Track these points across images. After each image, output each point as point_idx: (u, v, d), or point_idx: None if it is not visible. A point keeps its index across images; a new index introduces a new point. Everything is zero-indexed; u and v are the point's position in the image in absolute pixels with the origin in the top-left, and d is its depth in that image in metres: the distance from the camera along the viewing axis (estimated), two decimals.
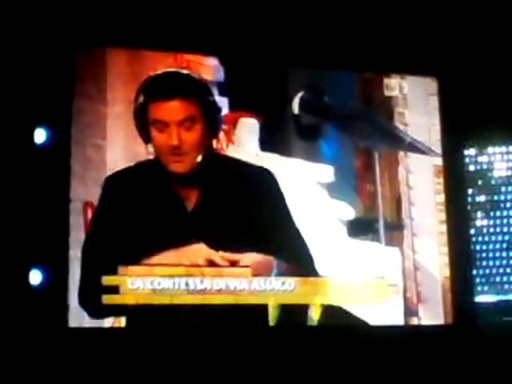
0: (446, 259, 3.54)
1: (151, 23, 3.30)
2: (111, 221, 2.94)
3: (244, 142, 3.39)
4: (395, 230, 3.51)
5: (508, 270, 3.68)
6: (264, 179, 3.10)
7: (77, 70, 3.18)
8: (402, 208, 3.53)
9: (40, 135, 3.11)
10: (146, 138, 2.94)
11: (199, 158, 2.95)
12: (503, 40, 3.67)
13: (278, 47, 3.49)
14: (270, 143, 3.43)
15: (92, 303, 2.93)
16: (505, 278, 3.69)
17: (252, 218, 3.05)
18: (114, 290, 2.96)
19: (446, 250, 3.54)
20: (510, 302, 3.66)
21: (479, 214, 3.73)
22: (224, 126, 3.24)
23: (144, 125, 2.92)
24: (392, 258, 3.47)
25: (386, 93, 3.63)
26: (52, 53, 3.11)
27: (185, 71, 3.08)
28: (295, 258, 3.11)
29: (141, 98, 2.90)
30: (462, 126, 3.66)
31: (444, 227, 3.56)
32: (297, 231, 3.11)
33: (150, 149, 2.96)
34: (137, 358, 3.06)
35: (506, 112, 3.68)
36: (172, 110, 2.90)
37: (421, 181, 3.58)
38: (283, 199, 3.13)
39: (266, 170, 3.12)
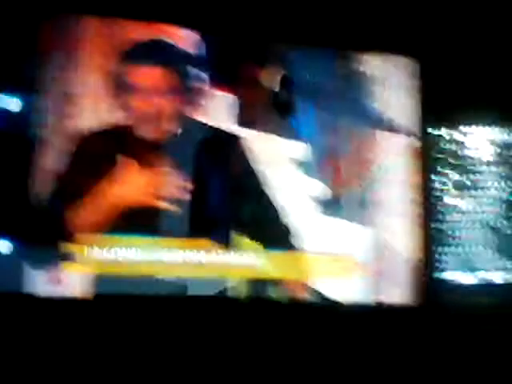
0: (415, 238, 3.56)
1: None
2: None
3: (221, 117, 3.44)
4: (365, 209, 3.53)
5: (480, 249, 3.67)
6: (235, 145, 3.20)
7: (46, 37, 3.16)
8: (373, 187, 3.55)
9: (7, 102, 3.11)
10: (122, 105, 2.99)
11: (174, 127, 3.00)
12: (483, 22, 3.62)
13: (259, 23, 3.50)
14: (247, 119, 3.47)
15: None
16: (475, 256, 3.68)
17: (221, 186, 3.17)
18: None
19: (415, 229, 3.56)
20: (482, 280, 3.65)
21: (453, 193, 3.71)
22: (199, 99, 3.27)
23: (121, 91, 2.97)
24: (362, 236, 3.49)
25: (366, 71, 3.63)
26: (19, 21, 3.11)
27: (170, 41, 3.15)
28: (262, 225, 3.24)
29: (121, 64, 2.96)
30: (437, 107, 3.64)
31: (414, 207, 3.58)
32: (267, 200, 3.23)
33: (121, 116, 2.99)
34: (96, 329, 3.13)
35: (481, 92, 3.64)
36: (151, 76, 2.97)
37: (394, 160, 3.59)
38: (254, 168, 3.25)
39: (235, 135, 3.23)
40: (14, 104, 3.11)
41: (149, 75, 3.03)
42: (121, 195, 3.06)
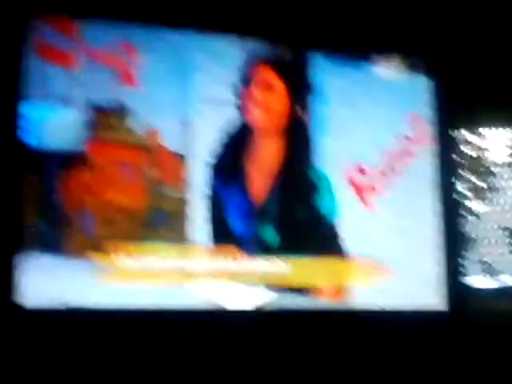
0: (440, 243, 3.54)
1: None
2: None
3: None
4: (392, 214, 3.49)
5: (501, 252, 3.67)
6: None
7: None
8: (400, 192, 3.53)
9: None
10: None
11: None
12: (497, 22, 3.63)
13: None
14: None
15: None
16: (498, 262, 3.68)
17: None
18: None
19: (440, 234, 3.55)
20: (504, 284, 3.65)
21: (474, 198, 3.71)
22: None
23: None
24: (389, 241, 3.46)
25: (385, 76, 3.61)
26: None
27: None
28: None
29: None
30: (454, 110, 3.64)
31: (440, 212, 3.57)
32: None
33: None
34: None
35: (500, 95, 3.65)
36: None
37: (417, 165, 3.59)
38: None
39: None
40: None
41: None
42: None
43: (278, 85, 3.30)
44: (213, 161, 3.23)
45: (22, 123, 2.95)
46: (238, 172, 3.28)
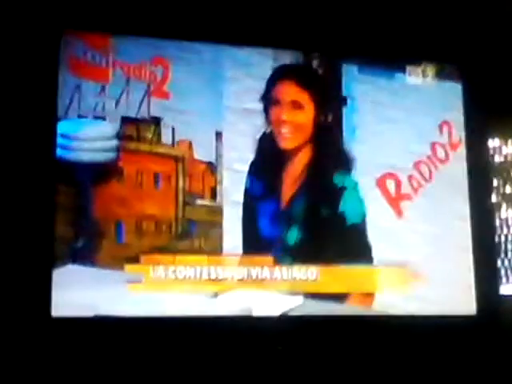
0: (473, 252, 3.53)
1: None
2: None
3: None
4: (425, 221, 3.50)
5: None
6: None
7: None
8: (432, 199, 3.54)
9: None
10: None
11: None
12: None
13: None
14: None
15: None
16: None
17: None
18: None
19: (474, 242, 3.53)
20: None
21: (505, 205, 3.70)
22: None
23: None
24: (420, 248, 3.47)
25: (417, 84, 3.61)
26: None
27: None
28: None
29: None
30: (487, 117, 3.62)
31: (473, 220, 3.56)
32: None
33: None
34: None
35: None
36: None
37: (450, 172, 3.58)
38: None
39: None
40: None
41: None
42: None
43: (304, 99, 3.33)
44: (249, 171, 3.29)
45: (56, 137, 3.05)
46: (273, 181, 3.32)
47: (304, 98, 3.33)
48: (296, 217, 3.28)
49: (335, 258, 3.30)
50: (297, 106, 3.31)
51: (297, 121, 3.32)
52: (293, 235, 3.26)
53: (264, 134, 3.32)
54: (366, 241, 3.36)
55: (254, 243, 3.25)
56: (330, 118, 3.40)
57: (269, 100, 3.32)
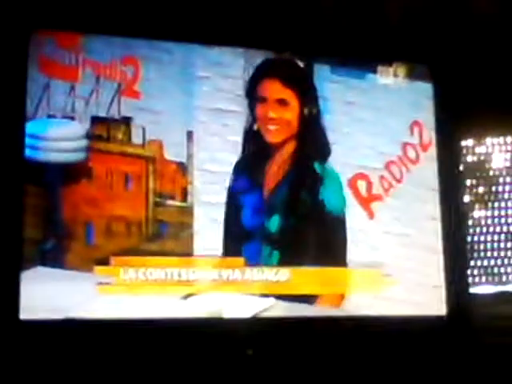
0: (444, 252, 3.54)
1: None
2: None
3: None
4: (395, 221, 3.50)
5: (506, 261, 3.67)
6: None
7: None
8: (403, 200, 3.54)
9: None
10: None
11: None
12: (500, 27, 3.62)
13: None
14: None
15: None
16: (502, 269, 3.68)
17: None
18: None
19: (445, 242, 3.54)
20: (508, 292, 3.65)
21: (477, 205, 3.72)
22: None
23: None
24: (391, 249, 3.47)
25: (386, 84, 3.61)
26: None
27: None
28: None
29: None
30: (458, 117, 3.64)
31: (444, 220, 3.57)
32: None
33: None
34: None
35: (503, 102, 3.64)
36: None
37: (421, 173, 3.59)
38: None
39: None
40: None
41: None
42: None
43: (289, 95, 3.35)
44: (235, 169, 3.29)
45: (24, 137, 3.00)
46: (258, 174, 3.33)
47: (289, 94, 3.34)
48: (278, 205, 3.29)
49: (314, 247, 3.31)
50: (282, 103, 3.33)
51: (283, 117, 3.33)
52: (274, 223, 3.25)
53: (249, 130, 3.32)
54: (345, 233, 3.36)
55: (236, 235, 3.23)
56: (314, 111, 3.38)
57: (254, 97, 3.32)
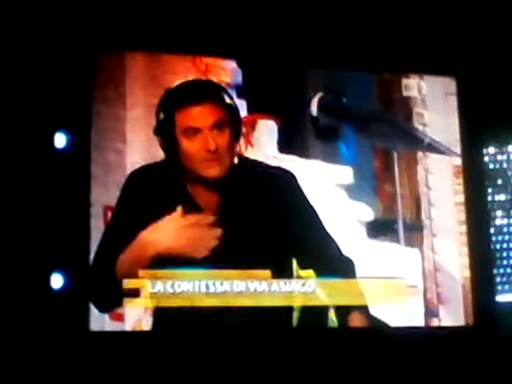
0: (466, 259, 3.51)
1: (169, 26, 3.33)
2: (128, 219, 2.89)
3: (263, 145, 3.40)
4: (414, 231, 3.49)
5: None
6: (287, 181, 3.03)
7: (97, 74, 3.22)
8: (422, 209, 3.52)
9: (60, 140, 3.16)
10: (173, 152, 2.85)
11: (234, 161, 2.91)
12: None
13: (295, 49, 3.50)
14: (288, 145, 3.44)
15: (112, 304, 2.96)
16: None
17: (276, 222, 3.00)
18: (135, 293, 2.97)
19: (465, 250, 3.52)
20: None
21: (499, 213, 3.71)
22: (243, 129, 3.11)
23: (171, 138, 2.84)
24: (412, 259, 3.45)
25: (405, 93, 3.61)
26: (72, 57, 3.15)
27: (203, 78, 3.24)
28: (324, 260, 3.08)
29: (164, 111, 2.83)
30: (480, 125, 3.65)
31: (464, 227, 3.54)
32: (325, 231, 3.06)
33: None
34: (159, 362, 3.08)
35: None
36: (202, 114, 2.84)
37: (440, 181, 3.57)
38: (307, 200, 3.06)
39: (288, 172, 3.04)
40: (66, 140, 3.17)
41: (197, 114, 2.84)
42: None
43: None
44: None
45: None
46: None
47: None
48: None
49: None
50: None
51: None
52: None
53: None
54: None
55: None
56: None
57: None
